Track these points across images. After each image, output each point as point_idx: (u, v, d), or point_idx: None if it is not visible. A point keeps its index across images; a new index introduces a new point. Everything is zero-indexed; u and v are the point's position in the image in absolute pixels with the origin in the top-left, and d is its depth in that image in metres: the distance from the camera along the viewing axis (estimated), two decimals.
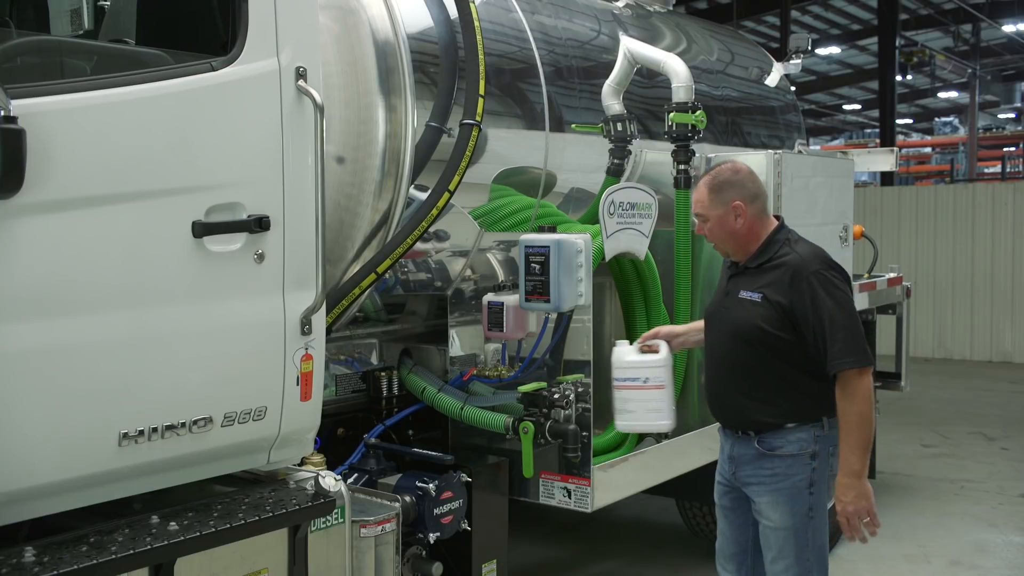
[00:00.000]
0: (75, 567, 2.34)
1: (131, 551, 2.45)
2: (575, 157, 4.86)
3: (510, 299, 4.02)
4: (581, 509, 4.12)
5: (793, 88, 7.53)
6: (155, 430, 2.58)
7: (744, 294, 3.48)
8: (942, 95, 32.52)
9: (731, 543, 3.71)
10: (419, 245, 3.91)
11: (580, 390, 4.00)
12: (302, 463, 3.17)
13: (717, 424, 3.75)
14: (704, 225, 3.57)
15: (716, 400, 3.66)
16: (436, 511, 3.77)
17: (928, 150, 36.60)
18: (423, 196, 3.91)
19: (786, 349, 3.39)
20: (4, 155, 2.20)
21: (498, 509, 4.15)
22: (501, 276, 4.42)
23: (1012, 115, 36.06)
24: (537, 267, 3.86)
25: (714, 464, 3.82)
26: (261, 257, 2.78)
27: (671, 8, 6.51)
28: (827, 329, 3.31)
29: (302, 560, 2.90)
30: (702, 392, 4.40)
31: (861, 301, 6.28)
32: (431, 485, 3.77)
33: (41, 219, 2.35)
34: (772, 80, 6.99)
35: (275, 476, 3.10)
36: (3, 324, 2.30)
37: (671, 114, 4.74)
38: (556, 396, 3.92)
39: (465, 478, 3.94)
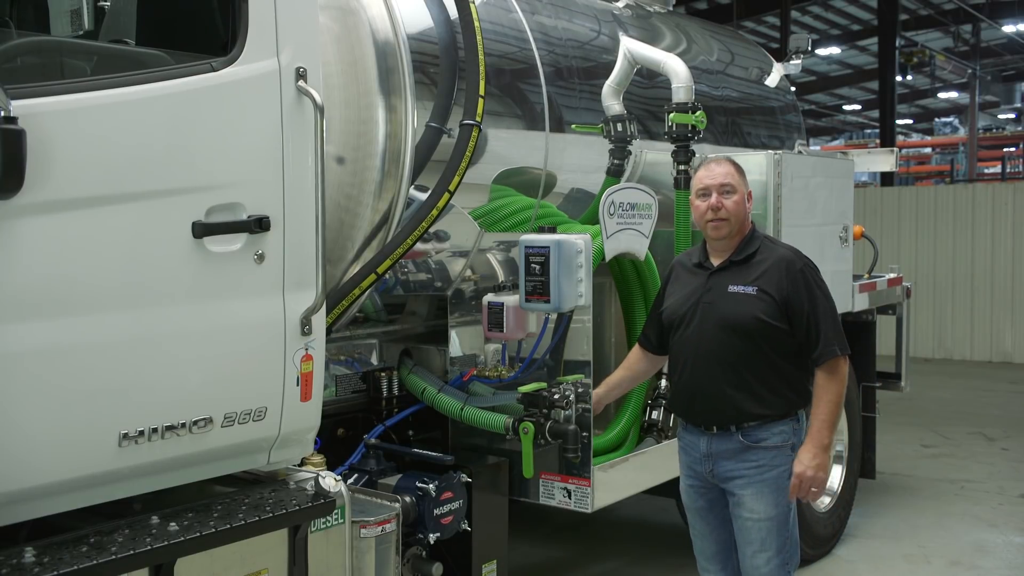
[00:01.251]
0: (75, 567, 2.34)
1: (131, 551, 2.45)
2: (575, 157, 4.86)
3: (510, 299, 4.02)
4: (581, 509, 4.12)
5: (793, 88, 7.53)
6: (155, 430, 2.58)
7: (735, 288, 3.56)
8: (942, 95, 32.54)
9: (712, 542, 3.77)
10: (419, 245, 3.91)
11: (580, 390, 4.00)
12: (302, 463, 3.18)
13: (678, 429, 3.79)
14: (728, 198, 3.58)
15: (698, 396, 3.62)
16: (436, 511, 3.78)
17: (928, 150, 36.63)
18: (423, 196, 3.91)
19: (780, 339, 3.52)
20: (4, 155, 2.20)
21: (498, 509, 4.15)
22: (501, 276, 4.42)
23: (1012, 115, 36.08)
24: (537, 267, 3.86)
25: None
26: (261, 257, 2.78)
27: (671, 8, 6.51)
28: (820, 319, 3.52)
29: (302, 560, 2.90)
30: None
31: (861, 301, 6.28)
32: (431, 485, 3.77)
33: (41, 219, 2.35)
34: (772, 80, 6.99)
35: (275, 476, 3.10)
36: (3, 324, 2.30)
37: (671, 114, 4.74)
38: (556, 396, 3.92)
39: (465, 478, 3.94)
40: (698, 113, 4.74)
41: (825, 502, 6.08)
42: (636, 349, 4.05)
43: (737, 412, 3.55)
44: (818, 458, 3.46)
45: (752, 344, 3.51)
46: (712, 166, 3.68)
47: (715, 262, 3.66)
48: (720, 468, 3.60)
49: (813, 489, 3.50)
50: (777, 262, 3.55)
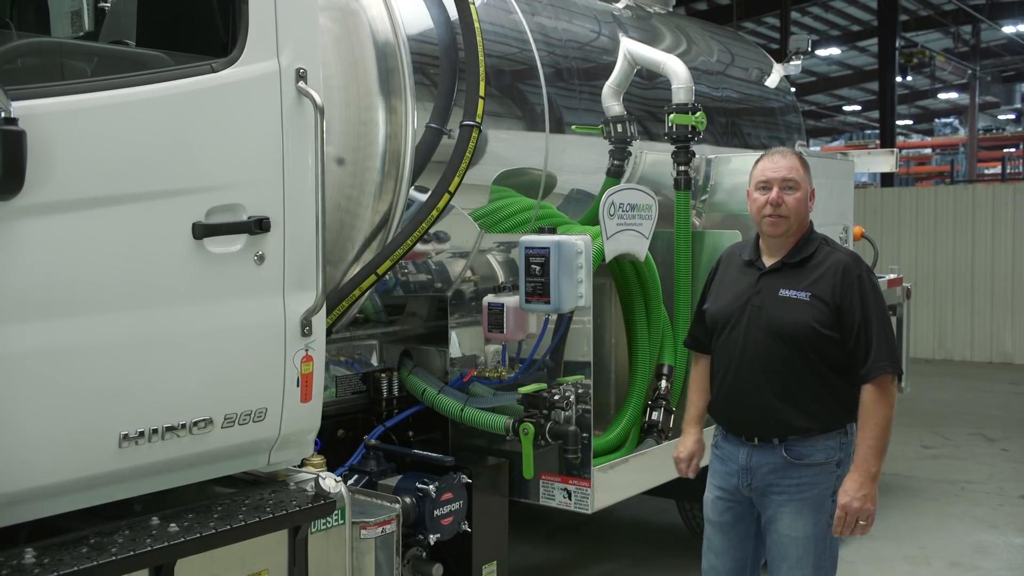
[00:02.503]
0: (75, 569, 2.34)
1: (131, 552, 2.45)
2: (575, 158, 4.86)
3: (510, 300, 4.02)
4: (581, 510, 4.12)
5: (793, 89, 7.54)
6: (155, 431, 2.58)
7: (787, 293, 3.35)
8: (942, 96, 32.55)
9: (729, 559, 3.55)
10: (419, 246, 3.91)
11: (580, 391, 4.00)
12: (302, 464, 3.18)
13: (715, 436, 3.61)
14: (791, 194, 3.36)
15: (740, 405, 3.44)
16: (436, 512, 3.78)
17: (928, 151, 36.63)
18: (423, 197, 3.91)
19: (831, 349, 3.31)
20: (5, 157, 2.20)
21: (498, 510, 4.15)
22: (501, 277, 4.42)
23: (1012, 116, 36.09)
24: (537, 268, 3.86)
25: None
26: (261, 258, 2.78)
27: (671, 9, 6.51)
28: (873, 331, 3.29)
29: (302, 561, 2.90)
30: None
31: None
32: (431, 486, 3.77)
33: (42, 220, 2.35)
34: (772, 81, 6.99)
35: (275, 477, 3.10)
36: (4, 325, 2.30)
37: (671, 115, 4.74)
38: (556, 397, 3.92)
39: (465, 479, 3.94)
40: (698, 114, 4.74)
41: None
42: (697, 364, 3.76)
43: (781, 424, 3.35)
44: (864, 488, 3.23)
45: (801, 353, 3.30)
46: (776, 157, 3.41)
47: (767, 262, 3.44)
48: (759, 483, 3.40)
49: (861, 522, 3.26)
50: (833, 267, 3.33)
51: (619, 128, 4.89)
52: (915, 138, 38.87)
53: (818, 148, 30.32)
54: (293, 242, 2.86)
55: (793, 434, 3.35)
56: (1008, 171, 30.13)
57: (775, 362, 3.34)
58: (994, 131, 35.82)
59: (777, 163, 3.40)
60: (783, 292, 3.36)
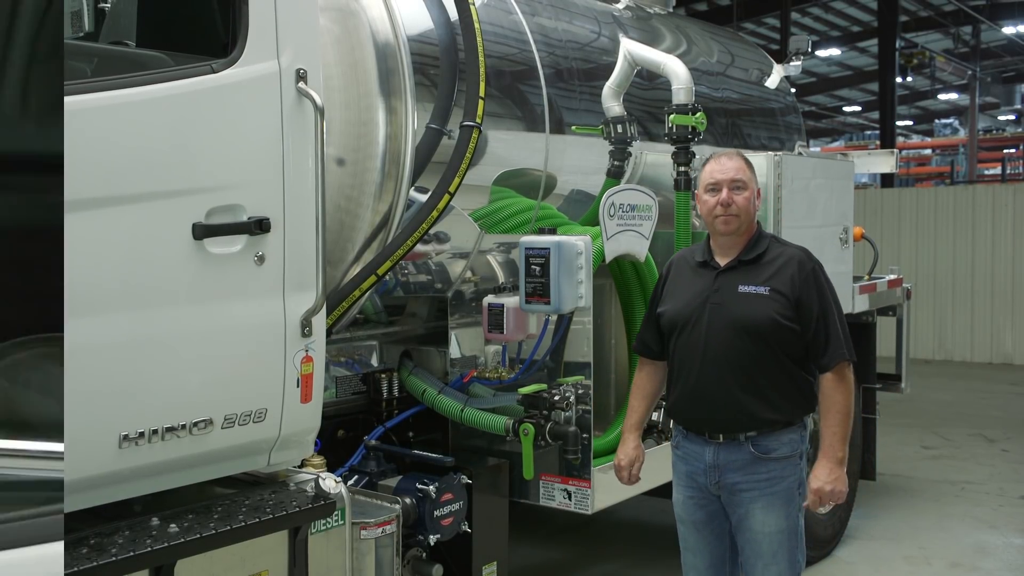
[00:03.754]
0: (75, 569, 2.34)
1: (131, 553, 2.45)
2: (575, 159, 4.86)
3: (510, 301, 4.02)
4: (581, 511, 4.13)
5: (793, 90, 7.54)
6: (155, 432, 2.58)
7: (747, 288, 3.41)
8: (942, 97, 32.57)
9: (707, 556, 3.58)
10: (419, 247, 3.91)
11: (580, 392, 4.00)
12: (302, 465, 3.18)
13: (674, 438, 3.62)
14: (739, 194, 3.43)
15: (705, 402, 3.44)
16: (436, 513, 3.78)
17: (928, 152, 36.65)
18: (423, 198, 3.91)
19: (792, 341, 3.39)
20: None
21: (498, 511, 4.15)
22: (501, 278, 4.42)
23: (1012, 117, 36.11)
24: (537, 269, 3.86)
25: None
26: (261, 259, 2.78)
27: (671, 10, 6.51)
28: (830, 322, 3.41)
29: (302, 562, 2.90)
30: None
31: (861, 303, 6.28)
32: (431, 487, 3.77)
33: None
34: (772, 82, 6.99)
35: (275, 478, 3.10)
36: None
37: (671, 116, 4.74)
38: (556, 398, 3.92)
39: (465, 480, 3.94)
40: (698, 115, 4.73)
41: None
42: (642, 370, 3.77)
43: (749, 418, 3.39)
44: (835, 473, 3.38)
45: (765, 346, 3.37)
46: (723, 160, 3.50)
47: (721, 261, 3.50)
48: (728, 480, 3.43)
49: (830, 503, 3.44)
50: (788, 261, 3.43)
51: (619, 129, 4.89)
52: (915, 139, 38.89)
53: (818, 149, 30.33)
54: (293, 243, 2.86)
55: (760, 428, 3.41)
56: (1008, 172, 30.15)
57: (741, 357, 3.40)
58: (994, 132, 35.86)
59: (724, 165, 3.50)
60: (743, 288, 3.43)
